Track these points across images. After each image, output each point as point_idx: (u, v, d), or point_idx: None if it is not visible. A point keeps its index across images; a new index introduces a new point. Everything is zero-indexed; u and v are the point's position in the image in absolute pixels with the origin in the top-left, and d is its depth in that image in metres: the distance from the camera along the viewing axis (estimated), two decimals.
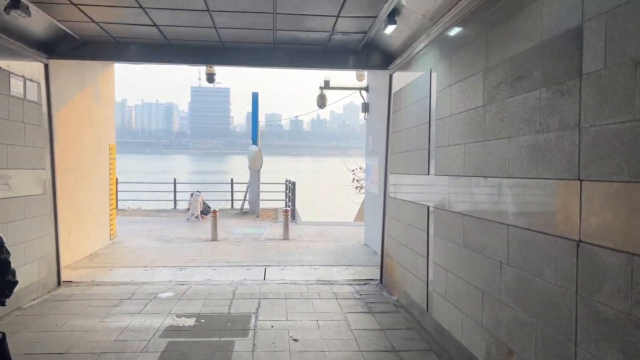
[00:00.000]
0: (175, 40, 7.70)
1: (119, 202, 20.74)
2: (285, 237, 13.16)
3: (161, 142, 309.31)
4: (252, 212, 19.25)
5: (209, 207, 17.79)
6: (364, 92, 12.62)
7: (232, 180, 21.54)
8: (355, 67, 8.26)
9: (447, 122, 5.27)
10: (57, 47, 7.52)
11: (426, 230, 5.93)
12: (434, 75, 5.81)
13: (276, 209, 20.77)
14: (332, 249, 11.52)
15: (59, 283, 7.87)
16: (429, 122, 5.90)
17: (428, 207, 5.89)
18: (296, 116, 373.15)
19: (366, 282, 8.38)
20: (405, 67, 7.23)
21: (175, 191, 21.00)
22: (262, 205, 19.64)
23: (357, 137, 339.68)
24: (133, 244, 12.08)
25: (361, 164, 20.55)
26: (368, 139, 12.19)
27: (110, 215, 12.03)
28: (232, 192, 21.45)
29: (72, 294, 7.45)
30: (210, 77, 12.73)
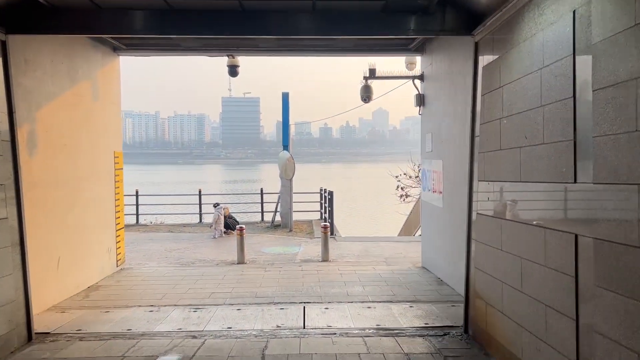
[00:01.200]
0: (179, 3, 5.66)
1: (139, 216, 19.00)
2: (325, 257, 10.96)
3: (193, 152, 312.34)
4: (284, 225, 17.15)
5: (236, 221, 15.79)
6: (417, 82, 10.37)
7: (261, 190, 19.49)
8: (425, 31, 6.02)
9: (627, 90, 2.99)
10: (18, 18, 5.56)
11: (573, 274, 3.62)
12: (582, 18, 3.53)
13: (310, 221, 18.64)
14: (384, 275, 9.25)
15: (29, 337, 5.84)
16: (574, 96, 3.62)
17: (576, 236, 3.59)
18: (325, 123, 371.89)
19: (444, 331, 6.07)
20: (506, 26, 4.96)
21: (200, 203, 19.09)
22: (296, 216, 17.51)
23: (387, 144, 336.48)
24: (144, 271, 10.08)
25: (406, 169, 18.24)
26: (425, 138, 9.90)
27: (117, 236, 10.06)
28: (262, 203, 19.40)
29: (41, 358, 5.40)
30: (233, 70, 10.66)
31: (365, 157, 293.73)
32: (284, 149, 16.71)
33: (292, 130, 16.95)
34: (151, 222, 19.65)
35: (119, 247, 10.13)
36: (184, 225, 18.64)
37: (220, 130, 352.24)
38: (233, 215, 15.96)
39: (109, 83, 9.68)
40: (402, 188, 17.48)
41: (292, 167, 16.18)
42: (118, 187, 10.09)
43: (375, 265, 10.38)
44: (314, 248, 12.55)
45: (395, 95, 13.64)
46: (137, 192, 18.96)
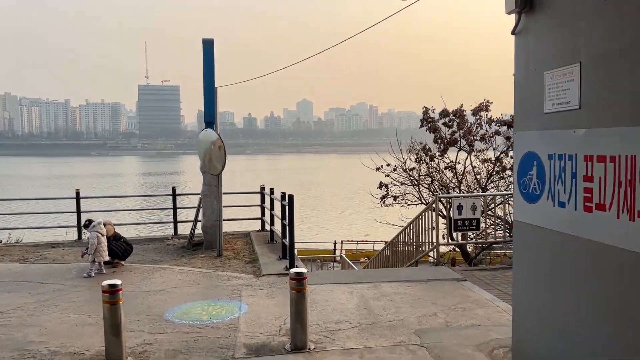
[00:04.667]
0: None
1: None
2: (300, 340, 5.23)
3: (108, 143, 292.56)
4: (208, 244, 11.19)
5: (128, 245, 9.65)
6: None
7: (173, 190, 13.26)
8: None
9: None
10: None
11: None
12: None
13: (247, 235, 12.79)
14: None
15: None
16: None
17: None
18: (249, 114, 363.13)
19: None
20: None
21: (78, 211, 12.58)
22: (227, 227, 11.61)
23: (313, 134, 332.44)
24: None
25: (380, 161, 12.83)
26: (543, 82, 4.35)
27: None
28: (174, 208, 13.20)
29: None
30: None
31: (291, 148, 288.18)
32: (206, 127, 10.69)
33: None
34: (0, 241, 12.91)
35: None
36: (54, 244, 12.13)
37: (137, 119, 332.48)
38: (121, 235, 9.74)
39: None
40: (385, 186, 12.08)
41: (220, 155, 10.20)
42: None
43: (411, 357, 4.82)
44: (265, 303, 6.78)
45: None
46: None
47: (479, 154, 11.62)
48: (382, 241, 32.13)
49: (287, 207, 8.58)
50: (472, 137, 11.26)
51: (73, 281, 8.28)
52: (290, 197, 8.55)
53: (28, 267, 9.56)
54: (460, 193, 11.17)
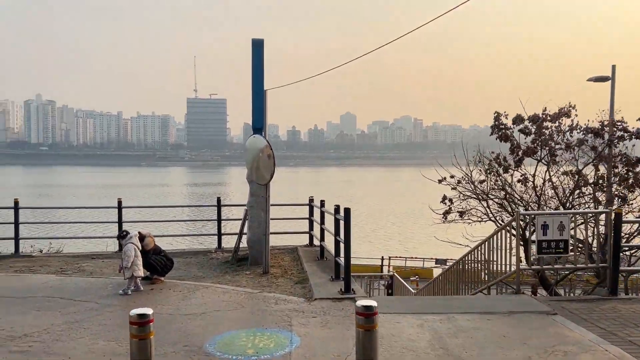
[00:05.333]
0: None
1: (21, 241, 11.74)
2: None
3: (157, 154, 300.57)
4: (254, 260, 10.33)
5: (168, 259, 8.89)
6: None
7: (218, 201, 12.51)
8: None
9: None
10: None
11: None
12: None
13: (295, 250, 11.88)
14: None
15: None
16: None
17: None
18: (293, 126, 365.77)
19: None
20: None
21: (120, 222, 12.00)
22: (273, 241, 10.72)
23: (355, 147, 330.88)
24: None
25: (437, 174, 11.66)
26: None
27: None
28: (218, 220, 12.47)
29: None
30: None
31: (334, 160, 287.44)
32: (254, 133, 9.87)
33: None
34: (40, 251, 12.48)
35: None
36: (94, 256, 11.59)
37: (185, 131, 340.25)
38: (161, 248, 8.98)
39: None
40: (450, 200, 10.89)
41: (269, 163, 9.33)
42: None
43: None
44: (320, 334, 5.78)
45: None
46: (16, 203, 11.75)
47: (563, 165, 10.24)
48: (431, 258, 30.70)
49: (342, 222, 7.56)
50: (554, 146, 9.91)
51: (108, 299, 7.55)
52: (347, 210, 7.55)
53: (63, 280, 8.94)
54: (539, 210, 9.86)
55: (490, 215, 10.53)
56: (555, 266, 7.99)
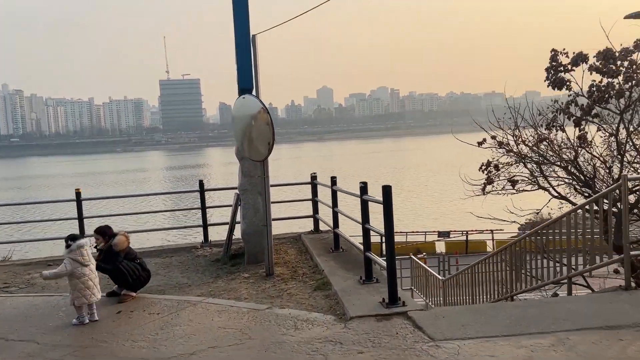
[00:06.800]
0: None
1: None
2: None
3: (132, 139, 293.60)
4: (251, 257, 8.15)
5: (143, 268, 6.64)
6: None
7: (201, 184, 10.19)
8: None
9: None
10: None
11: None
12: None
13: (298, 237, 9.75)
14: None
15: None
16: None
17: None
18: (270, 103, 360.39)
19: None
20: None
21: (80, 217, 9.64)
22: (275, 228, 8.47)
23: (334, 121, 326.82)
24: None
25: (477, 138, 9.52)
26: None
27: None
28: (203, 208, 10.19)
29: None
30: None
31: (312, 136, 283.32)
32: (240, 94, 7.52)
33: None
34: None
35: None
36: (50, 262, 9.26)
37: (159, 114, 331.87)
38: (137, 254, 6.67)
39: None
40: (495, 167, 8.74)
41: (266, 132, 7.03)
42: None
43: None
44: None
45: None
46: None
47: None
48: (434, 231, 28.88)
49: (384, 207, 5.32)
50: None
51: (55, 334, 5.32)
52: (387, 190, 5.33)
53: (1, 303, 6.66)
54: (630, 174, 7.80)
55: (551, 187, 8.37)
56: None
